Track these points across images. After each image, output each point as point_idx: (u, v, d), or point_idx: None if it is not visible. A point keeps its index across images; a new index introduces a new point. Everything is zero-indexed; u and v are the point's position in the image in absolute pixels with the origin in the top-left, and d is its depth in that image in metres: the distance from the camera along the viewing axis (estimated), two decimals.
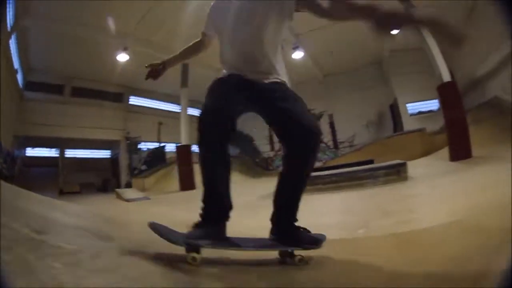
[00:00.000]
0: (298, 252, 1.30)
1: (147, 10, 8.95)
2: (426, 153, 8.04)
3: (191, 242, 1.18)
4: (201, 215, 1.32)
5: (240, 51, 1.42)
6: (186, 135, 10.18)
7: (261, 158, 15.67)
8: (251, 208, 3.35)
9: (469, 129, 6.12)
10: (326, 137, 13.75)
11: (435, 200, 2.87)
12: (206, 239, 1.20)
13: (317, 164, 12.16)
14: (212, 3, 1.57)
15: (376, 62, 14.24)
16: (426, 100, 12.62)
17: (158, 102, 15.55)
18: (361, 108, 13.88)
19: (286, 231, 1.36)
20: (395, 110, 13.57)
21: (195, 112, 14.77)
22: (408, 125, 12.05)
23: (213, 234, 1.24)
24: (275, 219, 1.40)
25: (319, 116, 13.65)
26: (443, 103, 6.65)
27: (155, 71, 1.70)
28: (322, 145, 13.00)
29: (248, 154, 15.39)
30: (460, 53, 9.25)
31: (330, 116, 14.67)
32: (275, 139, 10.04)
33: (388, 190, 3.91)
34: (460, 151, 5.78)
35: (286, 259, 1.33)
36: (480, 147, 5.91)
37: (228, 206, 1.35)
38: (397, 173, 4.23)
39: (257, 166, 14.81)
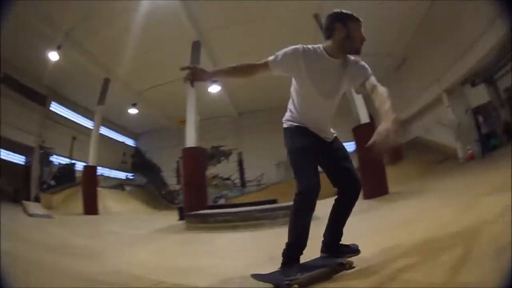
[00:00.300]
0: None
1: (89, 11, 7.79)
2: (332, 193, 8.02)
3: (292, 281, 1.44)
4: (287, 255, 1.60)
5: (320, 116, 1.75)
6: (94, 155, 9.33)
7: (167, 190, 15.23)
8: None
9: (385, 167, 6.18)
10: (234, 175, 13.93)
11: None
12: (299, 274, 1.50)
13: (220, 201, 12.47)
14: (303, 48, 1.60)
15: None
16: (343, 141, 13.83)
17: (76, 115, 13.44)
18: (272, 148, 13.19)
19: (337, 246, 1.78)
20: None
21: (107, 132, 14.37)
22: None
23: (300, 268, 1.55)
24: (329, 241, 1.80)
25: (228, 154, 13.98)
26: (357, 143, 6.68)
27: (195, 74, 1.62)
28: (228, 182, 13.69)
29: (155, 185, 15.33)
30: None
31: (239, 154, 14.54)
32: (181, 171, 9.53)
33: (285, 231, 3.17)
34: (375, 188, 5.77)
35: (337, 268, 1.68)
36: (397, 183, 6.14)
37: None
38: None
39: (162, 198, 14.48)
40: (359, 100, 6.84)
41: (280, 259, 1.59)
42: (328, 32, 1.62)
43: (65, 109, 13.02)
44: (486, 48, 7.48)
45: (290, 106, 1.79)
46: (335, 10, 1.64)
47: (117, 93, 10.47)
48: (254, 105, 14.12)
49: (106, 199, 10.35)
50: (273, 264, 1.64)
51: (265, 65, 1.64)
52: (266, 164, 13.73)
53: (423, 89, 10.56)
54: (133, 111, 12.50)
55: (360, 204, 4.58)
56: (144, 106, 12.63)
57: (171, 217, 7.45)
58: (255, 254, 2.53)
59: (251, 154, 14.21)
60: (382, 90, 1.54)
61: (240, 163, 14.41)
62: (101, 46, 9.01)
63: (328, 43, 1.61)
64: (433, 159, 9.63)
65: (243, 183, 13.97)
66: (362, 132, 6.47)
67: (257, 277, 1.55)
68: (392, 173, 6.16)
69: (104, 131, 10.13)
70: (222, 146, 13.95)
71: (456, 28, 8.22)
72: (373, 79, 1.61)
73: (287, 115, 1.80)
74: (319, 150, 1.72)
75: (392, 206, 4.16)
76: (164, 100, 12.47)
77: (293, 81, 1.70)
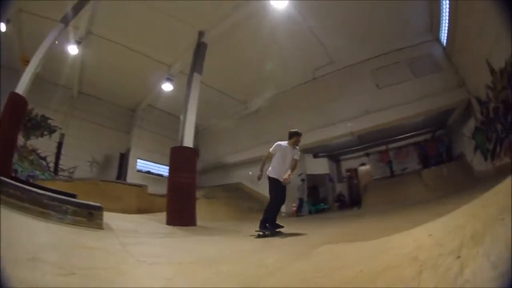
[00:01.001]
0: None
1: None
2: (142, 211, 8.07)
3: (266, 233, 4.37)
4: (264, 223, 4.44)
5: (282, 169, 4.56)
6: None
7: None
8: None
9: (196, 200, 6.64)
10: (50, 157, 11.96)
11: (117, 256, 2.34)
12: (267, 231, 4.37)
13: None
14: (280, 144, 4.74)
15: (131, 109, 14.31)
16: (159, 163, 13.80)
17: None
18: (94, 144, 13.00)
19: (265, 226, 4.41)
20: (124, 160, 13.59)
21: None
22: (133, 179, 12.21)
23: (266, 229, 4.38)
24: (262, 222, 4.44)
25: (53, 130, 12.12)
26: (171, 165, 6.74)
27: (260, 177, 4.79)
28: (43, 162, 11.58)
29: None
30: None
31: (62, 136, 12.42)
32: None
33: (67, 233, 2.89)
34: (183, 217, 5.90)
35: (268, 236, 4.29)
36: (206, 219, 6.47)
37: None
38: (89, 216, 3.52)
39: None
40: (189, 126, 7.06)
41: None
42: (289, 137, 4.75)
43: None
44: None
45: (272, 165, 4.66)
46: (292, 130, 4.83)
47: None
48: (99, 90, 12.76)
49: None
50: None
51: (270, 154, 4.71)
52: (83, 158, 12.77)
53: (265, 143, 11.72)
54: None
55: (164, 229, 5.10)
56: None
57: None
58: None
59: (74, 141, 12.58)
60: (294, 162, 4.58)
61: (60, 146, 12.36)
62: None
63: (289, 141, 4.72)
64: (252, 206, 10.32)
65: (56, 169, 12.02)
66: (179, 155, 6.73)
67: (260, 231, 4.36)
68: (205, 209, 6.76)
69: None
70: (50, 119, 11.92)
71: None
72: (296, 156, 4.64)
73: (270, 170, 4.66)
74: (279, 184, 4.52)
75: (198, 238, 4.31)
76: None
77: (276, 155, 4.68)
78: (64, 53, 9.46)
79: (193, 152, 7.02)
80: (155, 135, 14.27)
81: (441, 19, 8.57)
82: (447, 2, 7.69)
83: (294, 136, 4.64)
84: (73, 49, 9.36)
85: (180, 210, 6.09)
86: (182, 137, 6.97)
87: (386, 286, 1.13)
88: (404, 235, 1.85)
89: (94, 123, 13.05)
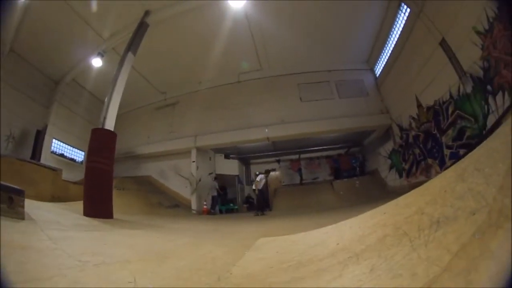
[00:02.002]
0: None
1: None
2: (56, 199, 7.11)
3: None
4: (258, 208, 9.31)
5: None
6: None
7: None
8: None
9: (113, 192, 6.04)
10: None
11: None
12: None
13: None
14: (261, 176, 9.80)
15: (55, 81, 12.24)
16: (74, 146, 12.87)
17: None
18: (12, 114, 10.61)
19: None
20: (40, 138, 11.80)
21: None
22: (46, 161, 10.67)
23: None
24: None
25: None
26: (90, 148, 6.05)
27: None
28: None
29: None
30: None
31: None
32: None
33: None
34: (99, 209, 5.34)
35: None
36: (118, 212, 5.89)
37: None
38: (9, 202, 2.86)
39: None
40: (113, 107, 6.56)
41: None
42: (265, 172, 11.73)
43: None
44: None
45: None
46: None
47: None
48: (30, 51, 10.70)
49: None
50: None
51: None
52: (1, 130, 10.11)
53: (179, 138, 12.05)
54: None
55: (84, 220, 4.52)
56: None
57: None
58: None
59: None
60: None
61: None
62: None
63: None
64: (161, 202, 10.47)
65: None
66: (98, 137, 6.11)
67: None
68: (115, 201, 6.12)
69: None
70: None
71: None
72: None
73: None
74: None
75: (126, 232, 4.07)
76: None
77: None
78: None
79: (114, 136, 6.34)
80: (74, 116, 12.79)
81: (381, 54, 9.61)
82: (394, 40, 8.72)
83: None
84: None
85: (98, 200, 5.52)
86: (105, 118, 6.37)
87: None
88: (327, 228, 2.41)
89: (16, 90, 10.79)
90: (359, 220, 2.13)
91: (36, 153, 11.33)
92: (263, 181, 9.53)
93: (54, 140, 11.96)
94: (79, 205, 5.43)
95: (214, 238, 3.71)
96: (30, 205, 3.92)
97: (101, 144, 6.04)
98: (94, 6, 8.52)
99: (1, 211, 2.76)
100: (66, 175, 8.92)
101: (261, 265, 1.81)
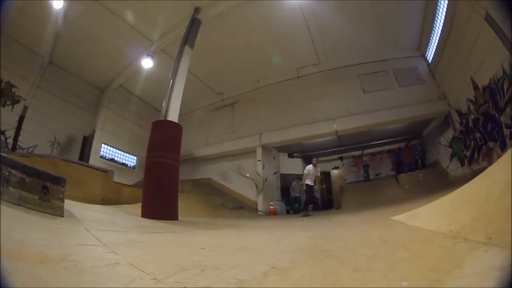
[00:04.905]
0: None
1: None
2: (106, 201, 6.93)
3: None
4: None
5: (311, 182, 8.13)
6: None
7: None
8: None
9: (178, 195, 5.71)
10: (9, 132, 10.05)
11: None
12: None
13: None
14: (309, 167, 8.19)
15: (101, 88, 12.88)
16: (125, 151, 13.08)
17: None
18: (57, 122, 11.39)
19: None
20: (87, 144, 12.23)
21: None
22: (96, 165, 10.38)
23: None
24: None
25: (16, 101, 10.29)
26: (151, 142, 5.70)
27: None
28: (1, 137, 9.77)
29: None
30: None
31: (25, 109, 10.47)
32: None
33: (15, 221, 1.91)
34: (163, 209, 5.03)
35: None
36: (180, 215, 5.52)
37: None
38: (42, 193, 2.31)
39: None
40: (176, 99, 6.55)
41: None
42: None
43: None
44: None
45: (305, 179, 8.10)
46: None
47: None
48: (71, 62, 11.40)
49: None
50: None
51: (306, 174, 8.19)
52: (44, 136, 10.99)
53: (239, 138, 11.94)
54: None
55: (145, 222, 4.10)
56: None
57: None
58: None
59: (36, 115, 10.70)
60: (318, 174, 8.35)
61: (21, 120, 10.48)
62: None
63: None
64: (225, 204, 10.22)
65: (14, 147, 10.25)
66: (161, 129, 5.86)
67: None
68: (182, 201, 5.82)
69: None
70: (15, 87, 10.32)
71: None
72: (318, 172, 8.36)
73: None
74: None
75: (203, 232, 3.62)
76: None
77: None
78: (46, 11, 8.51)
79: (179, 128, 6.03)
80: (123, 120, 13.23)
81: (430, 39, 9.36)
82: (441, 24, 8.41)
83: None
84: (57, 3, 8.41)
85: (162, 199, 5.08)
86: (167, 110, 6.21)
87: None
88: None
89: (60, 99, 11.46)
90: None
91: (83, 158, 11.65)
92: (311, 172, 8.02)
93: (103, 145, 12.30)
94: (134, 208, 5.21)
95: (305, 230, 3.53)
96: (76, 206, 3.72)
97: (164, 137, 5.69)
98: (137, 8, 8.84)
99: (29, 203, 2.20)
100: (118, 179, 8.88)
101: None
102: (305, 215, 7.41)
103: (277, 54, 10.69)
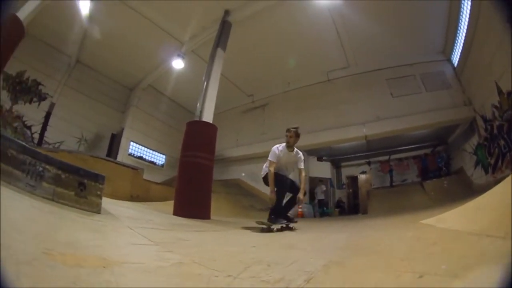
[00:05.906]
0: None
1: None
2: (135, 198, 7.18)
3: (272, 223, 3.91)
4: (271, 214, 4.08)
5: (285, 173, 4.31)
6: None
7: None
8: None
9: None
10: (36, 127, 10.69)
11: None
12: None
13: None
14: (278, 148, 4.33)
15: (130, 88, 13.59)
16: (153, 149, 13.53)
17: None
18: (85, 119, 11.97)
19: (286, 215, 4.26)
20: (116, 141, 12.70)
21: None
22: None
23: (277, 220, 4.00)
24: (283, 213, 4.21)
25: (43, 98, 10.93)
26: (185, 142, 6.01)
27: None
28: (28, 132, 10.42)
29: None
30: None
31: (52, 106, 11.12)
32: None
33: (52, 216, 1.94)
34: (196, 208, 5.22)
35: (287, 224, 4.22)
36: (213, 214, 5.73)
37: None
38: (79, 189, 2.40)
39: None
40: (210, 100, 6.95)
41: None
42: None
43: None
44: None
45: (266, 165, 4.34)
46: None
47: None
48: (99, 62, 11.98)
49: None
50: None
51: (272, 163, 4.16)
52: (71, 133, 11.58)
53: (270, 139, 11.66)
54: None
55: (180, 220, 4.31)
56: None
57: None
58: None
59: (63, 112, 11.34)
60: (302, 174, 4.30)
61: (48, 116, 11.06)
62: None
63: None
64: (253, 204, 10.38)
65: (40, 142, 10.69)
66: (197, 129, 6.20)
67: (259, 223, 3.85)
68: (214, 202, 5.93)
69: None
70: (42, 85, 10.83)
71: None
72: (301, 165, 4.34)
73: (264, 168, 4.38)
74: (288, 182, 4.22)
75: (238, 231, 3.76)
76: None
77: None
78: (72, 12, 9.01)
79: (214, 128, 6.35)
80: (152, 119, 13.68)
81: (455, 43, 9.40)
82: (465, 27, 8.46)
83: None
84: (84, 7, 8.94)
85: (195, 198, 5.30)
86: (201, 112, 6.60)
87: None
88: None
89: (88, 97, 12.13)
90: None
91: (111, 155, 12.03)
92: (282, 156, 4.46)
93: (131, 143, 12.73)
94: (164, 205, 5.43)
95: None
96: (108, 202, 3.66)
97: (199, 137, 6.00)
98: (167, 10, 9.21)
99: (64, 199, 2.24)
100: (145, 177, 9.05)
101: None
102: (268, 228, 3.79)
103: (306, 56, 10.88)
